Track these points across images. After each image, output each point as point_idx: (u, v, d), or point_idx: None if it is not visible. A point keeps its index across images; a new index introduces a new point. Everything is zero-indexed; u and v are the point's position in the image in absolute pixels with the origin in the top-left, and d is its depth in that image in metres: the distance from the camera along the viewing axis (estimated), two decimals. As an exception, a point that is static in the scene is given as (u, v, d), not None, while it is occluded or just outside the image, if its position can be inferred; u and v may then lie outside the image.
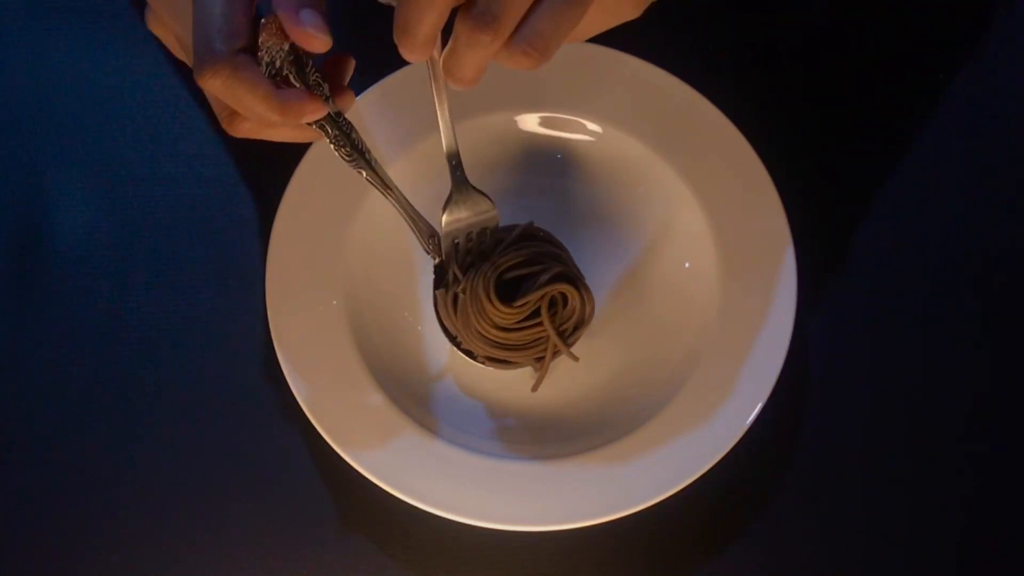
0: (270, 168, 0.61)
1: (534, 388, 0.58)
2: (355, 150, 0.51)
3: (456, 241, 0.55)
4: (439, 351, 0.60)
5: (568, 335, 0.56)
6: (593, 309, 0.56)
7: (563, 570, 0.57)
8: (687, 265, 0.61)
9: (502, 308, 0.55)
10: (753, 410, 0.55)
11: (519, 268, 0.56)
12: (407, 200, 0.54)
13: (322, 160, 0.60)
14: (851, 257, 0.63)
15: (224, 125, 0.48)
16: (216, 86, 0.44)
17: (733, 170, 0.60)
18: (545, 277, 0.54)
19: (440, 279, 0.57)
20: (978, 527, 0.58)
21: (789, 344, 0.56)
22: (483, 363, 0.57)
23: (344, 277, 0.59)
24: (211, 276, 0.63)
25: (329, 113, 0.48)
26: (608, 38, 0.62)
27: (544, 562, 0.57)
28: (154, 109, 0.67)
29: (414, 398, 0.58)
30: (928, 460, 0.59)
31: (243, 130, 0.48)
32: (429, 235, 0.55)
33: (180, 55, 0.52)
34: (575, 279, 0.55)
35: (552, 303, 0.55)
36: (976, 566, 0.57)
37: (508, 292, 0.55)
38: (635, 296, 0.61)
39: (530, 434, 0.58)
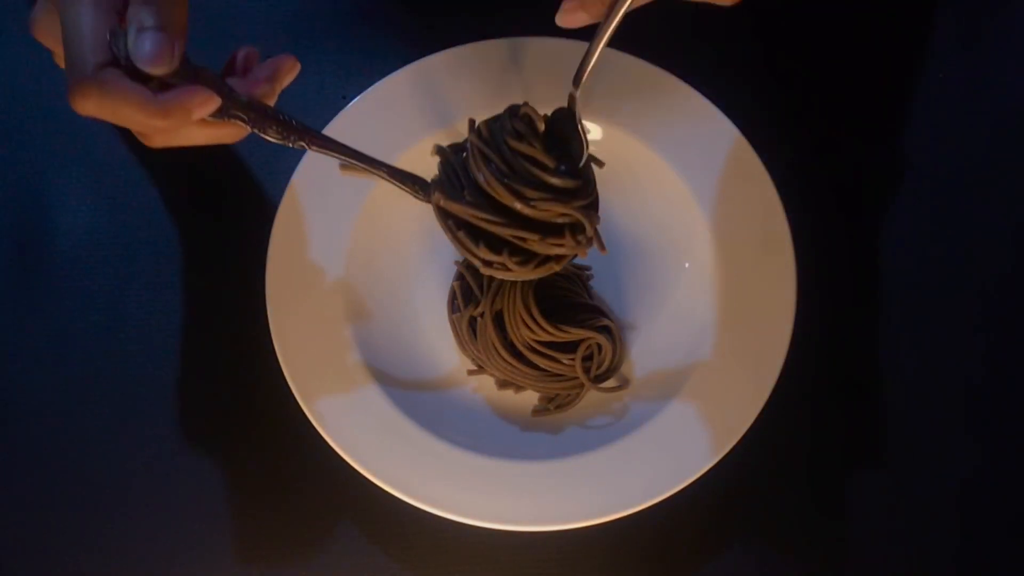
0: (270, 168, 0.61)
1: (535, 414, 0.59)
2: (285, 127, 0.48)
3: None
4: (441, 351, 0.60)
5: (594, 380, 0.58)
6: (620, 364, 0.59)
7: (563, 570, 0.57)
8: (687, 265, 0.61)
9: (543, 322, 0.56)
10: (753, 410, 0.55)
11: (557, 288, 0.58)
12: (370, 157, 0.52)
13: (322, 160, 0.60)
14: (851, 257, 0.63)
15: (144, 142, 0.46)
16: (90, 109, 0.42)
17: (733, 170, 0.60)
18: (594, 323, 0.57)
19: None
20: (978, 527, 0.58)
21: (789, 344, 0.56)
22: (498, 387, 0.59)
23: (344, 277, 0.59)
24: (211, 276, 0.63)
25: (239, 100, 0.46)
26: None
27: (544, 562, 0.57)
28: (154, 109, 0.67)
29: (415, 398, 0.58)
30: (928, 460, 0.59)
31: (156, 142, 0.46)
32: (411, 181, 0.53)
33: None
34: (616, 337, 0.58)
35: (588, 349, 0.57)
36: (976, 566, 0.57)
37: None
38: (635, 296, 0.61)
39: (530, 434, 0.58)
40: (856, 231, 0.64)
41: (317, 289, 0.59)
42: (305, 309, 0.58)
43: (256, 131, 0.48)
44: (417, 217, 0.62)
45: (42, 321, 0.62)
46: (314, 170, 0.60)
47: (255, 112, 0.47)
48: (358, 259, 0.60)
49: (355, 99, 0.61)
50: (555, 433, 0.58)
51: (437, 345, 0.60)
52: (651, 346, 0.60)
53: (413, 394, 0.58)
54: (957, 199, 0.64)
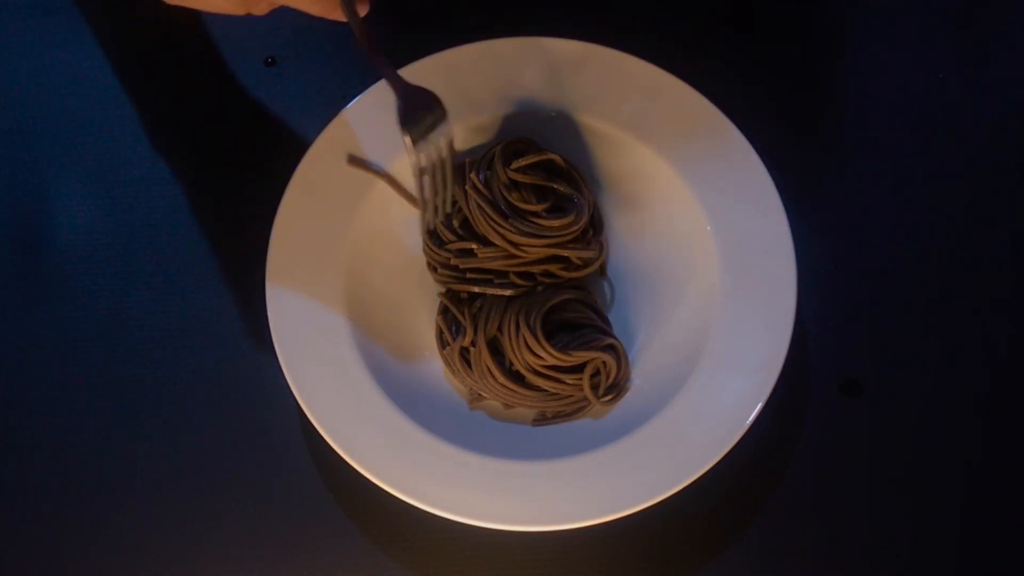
0: (270, 168, 0.61)
1: (535, 423, 0.59)
2: None
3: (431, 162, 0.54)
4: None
5: (599, 397, 0.58)
6: (625, 381, 0.58)
7: (563, 570, 0.57)
8: (687, 265, 0.61)
9: (548, 348, 0.56)
10: (753, 410, 0.55)
11: (566, 311, 0.58)
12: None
13: (322, 160, 0.60)
14: (851, 257, 0.63)
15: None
16: None
17: (733, 170, 0.60)
18: (599, 343, 0.57)
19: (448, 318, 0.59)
20: (977, 528, 0.58)
21: (789, 344, 0.56)
22: (505, 408, 0.59)
23: (344, 277, 0.59)
24: (211, 276, 0.63)
25: None
26: (608, 39, 0.62)
27: (544, 562, 0.57)
28: (154, 109, 0.67)
29: (414, 398, 0.58)
30: (928, 460, 0.59)
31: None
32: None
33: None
34: (621, 355, 0.58)
35: (594, 369, 0.57)
36: (975, 567, 0.57)
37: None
38: (634, 296, 0.61)
39: (531, 434, 0.58)
40: (856, 230, 0.64)
41: (317, 289, 0.59)
42: (305, 309, 0.58)
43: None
44: (415, 214, 0.62)
45: (42, 321, 0.62)
46: (314, 169, 0.60)
47: None
48: (359, 259, 0.60)
49: (355, 99, 0.61)
50: (555, 433, 0.58)
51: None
52: (652, 348, 0.60)
53: (414, 394, 0.58)
54: (958, 199, 0.64)
